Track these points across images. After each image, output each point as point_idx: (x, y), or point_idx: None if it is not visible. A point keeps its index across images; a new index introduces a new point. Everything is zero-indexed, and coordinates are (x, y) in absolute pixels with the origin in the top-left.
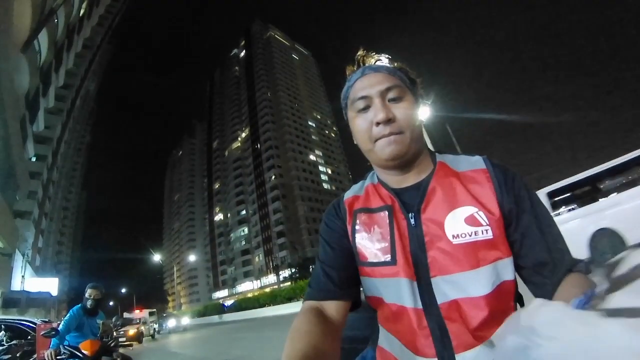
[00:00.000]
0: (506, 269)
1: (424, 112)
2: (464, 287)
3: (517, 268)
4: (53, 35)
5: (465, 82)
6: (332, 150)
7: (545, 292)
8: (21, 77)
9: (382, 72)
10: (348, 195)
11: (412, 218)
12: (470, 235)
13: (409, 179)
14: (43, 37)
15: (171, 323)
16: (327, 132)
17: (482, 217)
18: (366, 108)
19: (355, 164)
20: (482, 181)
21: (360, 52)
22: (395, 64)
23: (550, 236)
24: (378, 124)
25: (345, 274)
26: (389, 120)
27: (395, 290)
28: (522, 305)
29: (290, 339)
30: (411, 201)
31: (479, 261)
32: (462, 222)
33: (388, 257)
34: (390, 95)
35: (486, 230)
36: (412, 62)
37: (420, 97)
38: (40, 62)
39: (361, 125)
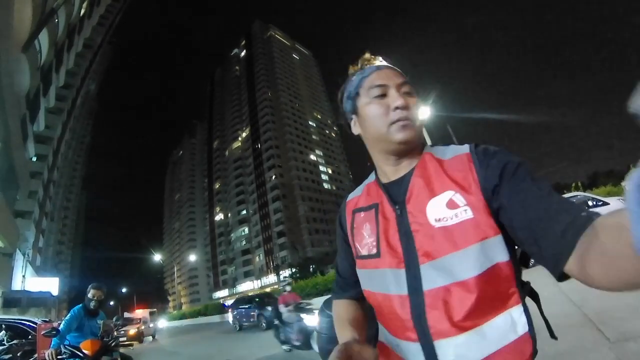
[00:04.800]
0: (497, 249)
1: (425, 112)
2: (452, 271)
3: (514, 237)
4: (54, 35)
5: (465, 82)
6: (333, 150)
7: (555, 250)
8: (22, 77)
9: (396, 70)
10: (351, 196)
11: (398, 210)
12: (451, 218)
13: (401, 170)
14: (44, 37)
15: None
16: (327, 131)
17: (459, 198)
18: (383, 95)
19: (355, 164)
20: (463, 164)
21: (366, 56)
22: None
23: (544, 192)
24: (397, 108)
25: (353, 275)
26: (405, 107)
27: (382, 281)
28: (527, 291)
29: (337, 315)
30: (398, 194)
31: (464, 241)
32: (443, 207)
33: (374, 250)
34: (404, 89)
35: (465, 211)
36: (413, 62)
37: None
38: (40, 62)
39: (377, 110)
